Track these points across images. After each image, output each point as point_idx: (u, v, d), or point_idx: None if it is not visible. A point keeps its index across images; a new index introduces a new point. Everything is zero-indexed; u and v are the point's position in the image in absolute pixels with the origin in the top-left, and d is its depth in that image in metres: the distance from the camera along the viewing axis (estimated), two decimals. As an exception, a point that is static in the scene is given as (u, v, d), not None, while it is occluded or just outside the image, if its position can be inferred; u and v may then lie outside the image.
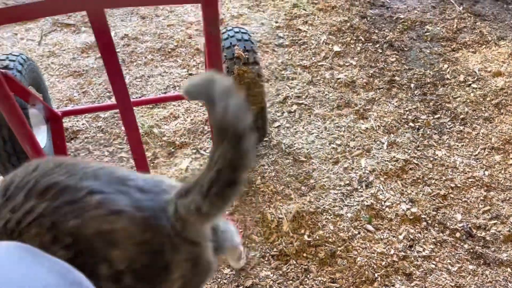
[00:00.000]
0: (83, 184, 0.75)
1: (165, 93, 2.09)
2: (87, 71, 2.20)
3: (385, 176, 1.70)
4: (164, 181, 0.84)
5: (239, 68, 1.49)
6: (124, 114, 1.40)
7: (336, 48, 2.36)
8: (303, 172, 1.71)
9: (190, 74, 2.20)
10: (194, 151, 1.81)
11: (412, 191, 1.64)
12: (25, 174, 0.79)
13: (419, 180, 1.68)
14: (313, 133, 1.88)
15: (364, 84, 2.13)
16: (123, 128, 1.91)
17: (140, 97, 2.04)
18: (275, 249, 1.47)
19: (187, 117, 1.96)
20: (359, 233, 1.51)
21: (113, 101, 2.04)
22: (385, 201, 1.60)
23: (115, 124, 1.93)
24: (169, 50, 2.34)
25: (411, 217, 1.55)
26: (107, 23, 1.16)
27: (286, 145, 1.82)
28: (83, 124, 1.93)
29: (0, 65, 1.42)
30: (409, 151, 1.80)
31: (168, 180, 0.86)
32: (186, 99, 1.62)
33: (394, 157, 1.77)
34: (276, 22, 2.55)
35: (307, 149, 1.80)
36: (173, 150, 1.83)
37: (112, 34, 2.42)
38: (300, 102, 2.04)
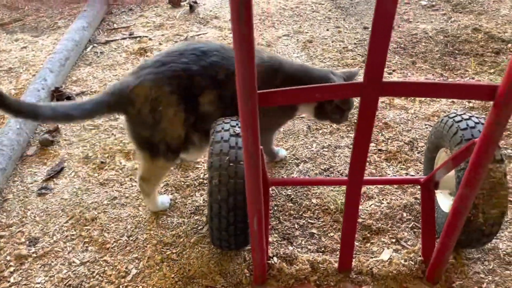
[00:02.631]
0: None
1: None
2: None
3: None
4: None
5: (483, 165, 1.32)
6: (352, 190, 1.31)
7: (548, 139, 2.07)
8: (532, 292, 1.45)
9: (380, 150, 2.08)
10: (393, 240, 1.65)
11: None
12: None
13: None
14: (536, 242, 1.61)
15: None
16: (313, 201, 1.83)
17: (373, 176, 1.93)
18: None
19: (383, 199, 1.82)
20: None
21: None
22: None
23: (304, 195, 1.86)
24: (355, 121, 2.25)
25: None
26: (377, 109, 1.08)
27: (505, 252, 1.57)
28: (272, 190, 1.89)
29: (233, 132, 1.42)
30: None
31: None
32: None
33: None
34: (469, 102, 2.34)
35: (533, 262, 1.53)
36: (368, 235, 1.68)
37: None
38: (512, 199, 1.78)
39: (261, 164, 1.40)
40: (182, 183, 1.92)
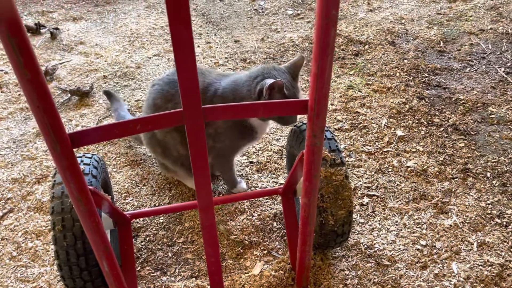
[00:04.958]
0: None
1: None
2: (145, 160, 2.13)
3: (482, 285, 1.52)
4: None
5: (326, 170, 1.39)
6: (204, 213, 1.28)
7: (400, 132, 2.26)
8: (389, 279, 1.55)
9: (251, 162, 2.11)
10: (265, 252, 1.67)
11: (518, 304, 1.46)
12: None
13: (522, 290, 1.50)
14: (392, 231, 1.74)
15: (437, 173, 2.00)
16: (186, 224, 1.80)
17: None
18: None
19: (254, 212, 1.84)
20: None
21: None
22: (489, 317, 1.42)
23: (177, 220, 1.82)
24: (226, 136, 2.27)
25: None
26: (205, 133, 1.07)
27: (366, 246, 1.67)
28: (143, 220, 1.82)
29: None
30: (503, 253, 1.63)
31: None
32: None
33: (487, 261, 1.60)
34: (332, 105, 2.48)
35: (390, 251, 1.65)
36: (241, 250, 1.69)
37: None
38: (371, 193, 1.91)
39: (108, 205, 1.35)
40: (43, 228, 1.78)
